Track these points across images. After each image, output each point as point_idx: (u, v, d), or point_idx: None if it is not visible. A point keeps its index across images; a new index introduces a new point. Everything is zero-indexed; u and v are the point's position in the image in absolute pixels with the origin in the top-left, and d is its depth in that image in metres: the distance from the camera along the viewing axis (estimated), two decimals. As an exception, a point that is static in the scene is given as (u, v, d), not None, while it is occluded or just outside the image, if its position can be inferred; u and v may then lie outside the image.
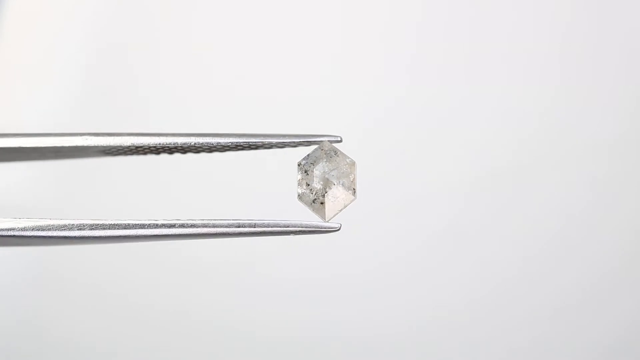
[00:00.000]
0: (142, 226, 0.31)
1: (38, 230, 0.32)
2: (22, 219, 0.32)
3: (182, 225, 0.32)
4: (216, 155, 0.32)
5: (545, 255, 0.57)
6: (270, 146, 0.34)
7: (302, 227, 0.31)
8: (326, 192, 0.31)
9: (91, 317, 0.55)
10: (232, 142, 0.33)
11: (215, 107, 0.56)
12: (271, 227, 0.31)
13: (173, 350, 0.56)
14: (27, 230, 0.31)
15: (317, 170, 0.31)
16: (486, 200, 0.56)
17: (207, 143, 0.34)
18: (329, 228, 0.31)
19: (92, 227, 0.32)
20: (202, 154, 0.34)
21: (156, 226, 0.31)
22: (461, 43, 0.56)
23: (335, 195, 0.31)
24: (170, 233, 0.32)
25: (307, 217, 0.31)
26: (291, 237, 0.31)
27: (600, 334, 0.56)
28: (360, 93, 0.56)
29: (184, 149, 0.34)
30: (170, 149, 0.34)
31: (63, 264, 0.55)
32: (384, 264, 0.56)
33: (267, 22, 0.57)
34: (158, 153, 0.34)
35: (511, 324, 0.57)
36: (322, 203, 0.31)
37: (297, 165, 0.31)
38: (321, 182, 0.31)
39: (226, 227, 0.31)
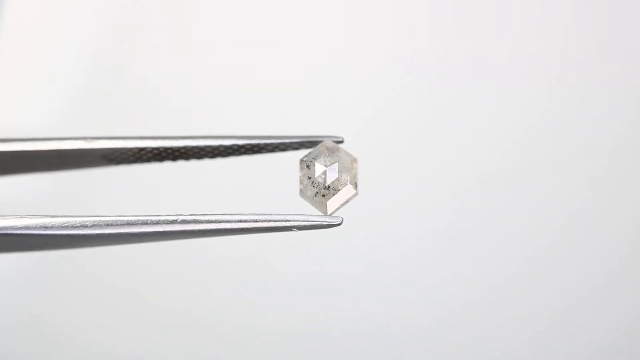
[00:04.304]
0: (145, 222, 0.31)
1: (40, 229, 0.31)
2: (23, 217, 0.32)
3: (184, 221, 0.32)
4: (219, 160, 0.32)
5: (545, 255, 0.57)
6: (272, 149, 0.34)
7: (304, 222, 0.31)
8: (328, 185, 0.31)
9: (92, 314, 0.55)
10: (234, 144, 0.33)
11: (216, 110, 0.56)
12: (273, 221, 0.31)
13: (174, 345, 0.56)
14: (29, 229, 0.31)
15: (319, 164, 0.31)
16: (487, 198, 0.56)
17: (209, 146, 0.34)
18: (330, 222, 0.31)
19: (94, 224, 0.31)
20: (205, 160, 0.34)
21: (158, 222, 0.31)
22: (462, 43, 0.56)
23: (337, 188, 0.31)
24: (172, 229, 0.32)
25: (309, 212, 0.31)
26: (293, 231, 0.31)
27: (600, 334, 0.56)
28: (362, 92, 0.56)
29: (187, 153, 0.34)
30: (174, 153, 0.34)
31: (64, 260, 0.55)
32: (385, 260, 0.56)
33: (268, 23, 0.57)
34: (161, 160, 0.34)
35: (511, 323, 0.57)
36: (323, 196, 0.31)
37: (299, 162, 0.31)
38: (323, 175, 0.31)
39: (228, 222, 0.31)
